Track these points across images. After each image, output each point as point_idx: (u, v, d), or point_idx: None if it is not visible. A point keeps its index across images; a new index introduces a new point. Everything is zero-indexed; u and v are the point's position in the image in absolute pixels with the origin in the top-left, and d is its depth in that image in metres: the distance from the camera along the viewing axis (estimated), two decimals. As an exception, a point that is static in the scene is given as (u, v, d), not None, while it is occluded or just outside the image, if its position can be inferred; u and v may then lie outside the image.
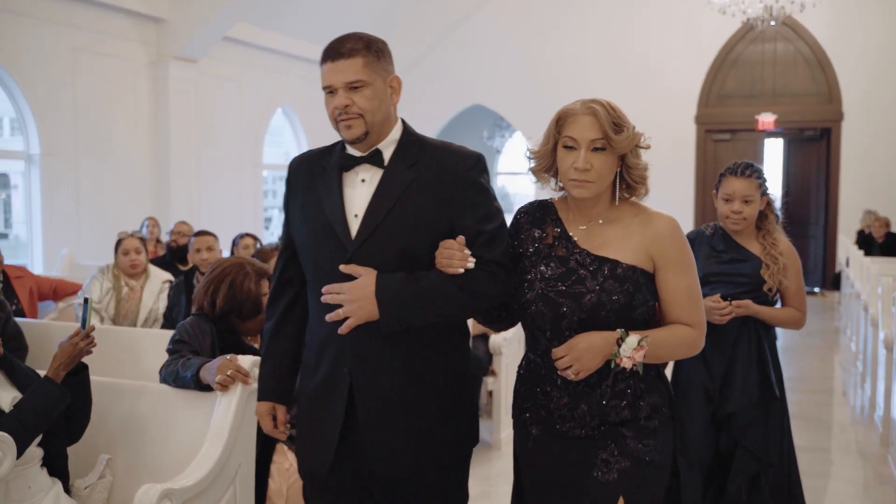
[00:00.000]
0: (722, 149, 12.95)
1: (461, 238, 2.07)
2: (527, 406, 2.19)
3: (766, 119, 12.57)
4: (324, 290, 2.08)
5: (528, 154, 2.21)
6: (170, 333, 3.63)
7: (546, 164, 2.16)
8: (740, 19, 10.70)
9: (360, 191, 2.13)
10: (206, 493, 2.57)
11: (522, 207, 2.27)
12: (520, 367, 2.25)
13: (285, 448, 3.06)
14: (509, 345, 5.22)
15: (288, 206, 2.28)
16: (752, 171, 3.21)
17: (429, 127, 14.25)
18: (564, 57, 13.24)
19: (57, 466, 2.69)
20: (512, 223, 2.25)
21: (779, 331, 3.32)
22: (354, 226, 2.10)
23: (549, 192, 2.28)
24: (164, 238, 8.79)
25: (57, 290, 5.43)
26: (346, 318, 2.05)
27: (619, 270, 2.07)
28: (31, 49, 8.64)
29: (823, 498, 4.48)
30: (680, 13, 12.59)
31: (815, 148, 13.11)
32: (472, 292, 2.06)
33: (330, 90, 2.09)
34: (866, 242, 10.30)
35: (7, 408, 2.57)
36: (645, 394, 2.12)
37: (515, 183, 17.56)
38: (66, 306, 5.02)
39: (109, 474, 2.82)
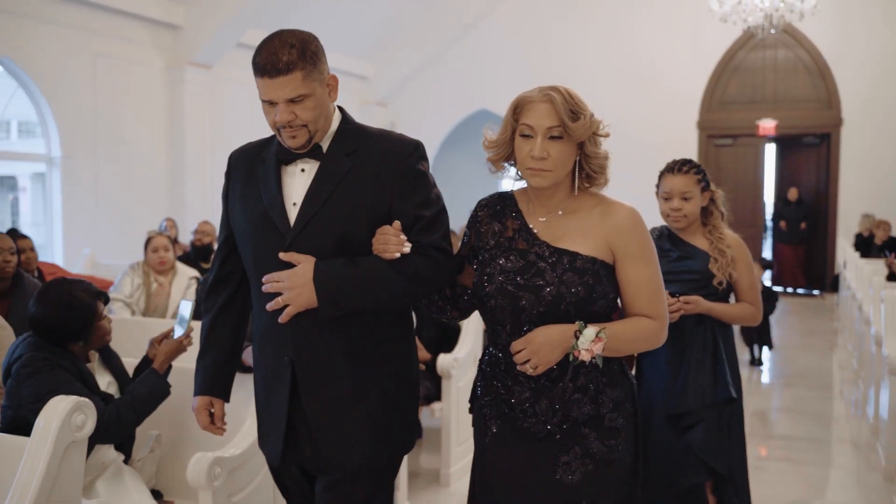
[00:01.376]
0: (723, 154, 13.19)
1: (397, 223, 2.08)
2: (487, 400, 2.15)
3: (767, 125, 12.82)
4: (264, 279, 2.07)
5: (485, 143, 2.15)
6: (196, 325, 3.91)
7: (504, 152, 2.12)
8: (741, 27, 10.95)
9: (298, 180, 2.13)
10: (251, 462, 2.84)
11: (482, 200, 2.24)
12: (481, 361, 2.22)
13: None
14: (459, 367, 4.78)
15: (227, 199, 2.27)
16: (689, 166, 3.16)
17: (435, 131, 14.54)
18: (569, 63, 13.50)
19: (125, 444, 2.96)
20: (471, 217, 2.23)
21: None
22: (293, 214, 2.10)
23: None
24: (184, 238, 9.07)
25: (87, 286, 5.68)
26: (286, 307, 2.04)
27: (579, 262, 2.04)
28: (53, 54, 8.91)
29: (821, 483, 4.74)
30: (683, 21, 12.84)
31: (815, 153, 13.35)
32: (409, 276, 2.06)
33: (269, 103, 2.06)
34: (865, 245, 10.53)
35: (104, 388, 2.86)
36: (607, 388, 2.08)
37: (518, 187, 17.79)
38: (100, 300, 5.28)
39: (158, 449, 3.08)
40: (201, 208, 10.61)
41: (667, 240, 3.23)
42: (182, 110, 10.48)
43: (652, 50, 13.08)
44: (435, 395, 4.52)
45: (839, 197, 12.58)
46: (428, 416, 4.59)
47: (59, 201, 9.22)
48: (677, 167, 3.16)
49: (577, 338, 1.97)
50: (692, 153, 13.10)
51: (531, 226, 2.11)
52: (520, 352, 2.00)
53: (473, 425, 2.22)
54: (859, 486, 4.66)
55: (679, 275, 3.11)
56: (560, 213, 2.10)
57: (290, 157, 2.13)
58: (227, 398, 2.28)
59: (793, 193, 13.02)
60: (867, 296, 6.37)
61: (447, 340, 4.65)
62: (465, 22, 14.14)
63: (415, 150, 2.14)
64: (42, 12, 8.73)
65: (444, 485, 4.48)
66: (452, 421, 4.48)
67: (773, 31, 10.48)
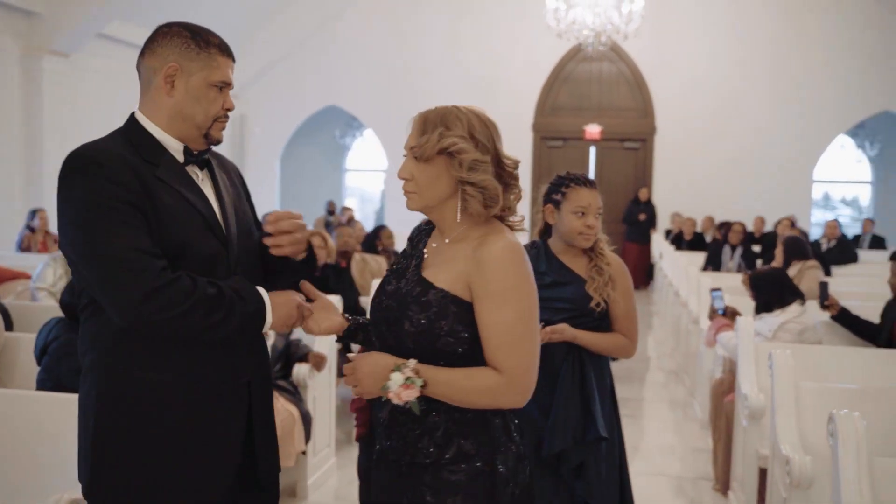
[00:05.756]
0: (555, 154, 14.57)
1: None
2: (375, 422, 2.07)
3: (593, 130, 14.33)
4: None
5: None
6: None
7: None
8: (573, 43, 12.25)
9: (207, 188, 2.09)
10: None
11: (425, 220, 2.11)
12: None
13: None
14: (314, 378, 4.58)
15: (146, 215, 1.91)
16: (594, 183, 2.98)
17: (286, 125, 15.01)
18: (417, 65, 14.42)
19: None
20: (411, 234, 2.14)
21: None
22: (223, 222, 2.06)
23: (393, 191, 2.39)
24: (53, 228, 9.16)
25: (-6, 276, 5.96)
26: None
27: (431, 294, 1.88)
28: None
29: (653, 431, 5.94)
30: (520, 33, 14.07)
31: (633, 156, 15.01)
32: None
33: (225, 86, 2.04)
34: (676, 240, 12.16)
35: None
36: (455, 436, 1.88)
37: (362, 179, 18.53)
38: (24, 289, 5.60)
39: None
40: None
41: (544, 259, 3.00)
42: (40, 99, 10.42)
43: (493, 58, 14.23)
44: (349, 368, 5.28)
45: (653, 196, 14.25)
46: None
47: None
48: (590, 182, 2.95)
49: (391, 378, 1.84)
50: (527, 153, 14.39)
51: (425, 251, 2.01)
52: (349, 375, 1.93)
53: None
54: (681, 432, 5.89)
55: (550, 302, 2.85)
56: (447, 240, 1.97)
57: (188, 161, 2.05)
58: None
59: (643, 194, 13.86)
60: (684, 283, 7.70)
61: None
62: (317, 20, 14.70)
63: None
64: None
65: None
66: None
67: (601, 47, 11.84)
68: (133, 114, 2.08)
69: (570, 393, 2.86)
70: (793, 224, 10.44)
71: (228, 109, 2.05)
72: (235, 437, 2.03)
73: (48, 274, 5.54)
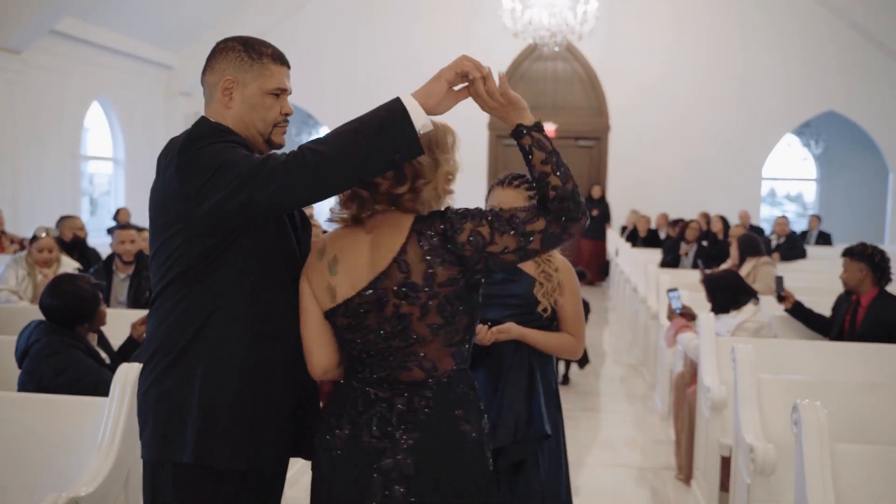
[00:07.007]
0: (511, 153, 14.68)
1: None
2: None
3: (548, 128, 14.39)
4: None
5: None
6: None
7: None
8: (528, 42, 12.41)
9: None
10: (105, 501, 2.81)
11: None
12: None
13: None
14: None
15: None
16: (521, 181, 2.93)
17: (242, 123, 14.90)
18: (373, 62, 14.46)
19: None
20: None
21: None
22: None
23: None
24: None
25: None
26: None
27: None
28: None
29: (615, 424, 6.10)
30: (477, 32, 14.17)
31: (588, 154, 15.25)
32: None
33: (281, 92, 2.12)
34: (631, 236, 12.40)
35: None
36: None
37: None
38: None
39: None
40: (11, 198, 10.44)
41: None
42: (-8, 97, 10.26)
43: (449, 56, 14.06)
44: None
45: (607, 193, 14.51)
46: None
47: None
48: (509, 180, 2.97)
49: None
50: (483, 152, 14.53)
51: None
52: None
53: None
54: (641, 425, 6.06)
55: (502, 298, 2.91)
56: None
57: None
58: None
59: (596, 191, 14.12)
60: (642, 280, 7.89)
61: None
62: (273, 16, 14.63)
63: None
64: None
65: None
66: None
67: (556, 48, 12.02)
68: (202, 117, 2.14)
69: (517, 387, 2.86)
70: (724, 220, 10.77)
71: (287, 114, 2.13)
72: (287, 407, 2.15)
73: (10, 276, 5.50)
